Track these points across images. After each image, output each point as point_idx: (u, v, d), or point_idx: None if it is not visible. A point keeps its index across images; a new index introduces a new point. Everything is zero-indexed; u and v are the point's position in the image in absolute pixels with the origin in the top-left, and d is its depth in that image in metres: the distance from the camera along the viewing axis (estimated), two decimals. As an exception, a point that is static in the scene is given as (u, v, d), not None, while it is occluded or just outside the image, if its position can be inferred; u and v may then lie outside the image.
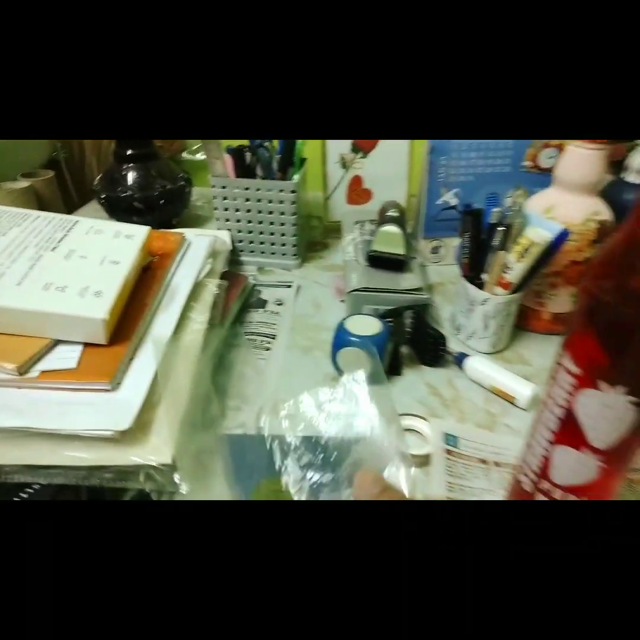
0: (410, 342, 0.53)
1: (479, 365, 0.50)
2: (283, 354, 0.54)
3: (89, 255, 0.45)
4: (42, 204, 0.77)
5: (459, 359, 0.52)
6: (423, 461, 0.41)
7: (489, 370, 0.50)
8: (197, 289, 0.53)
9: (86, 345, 0.41)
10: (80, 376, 0.38)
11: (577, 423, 0.28)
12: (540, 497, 0.33)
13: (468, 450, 0.42)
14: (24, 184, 0.74)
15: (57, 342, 0.41)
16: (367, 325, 0.49)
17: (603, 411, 0.27)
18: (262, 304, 0.63)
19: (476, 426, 0.45)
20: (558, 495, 0.31)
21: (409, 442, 0.43)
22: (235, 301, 0.59)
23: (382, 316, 0.52)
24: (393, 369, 0.52)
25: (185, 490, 0.34)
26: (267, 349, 0.55)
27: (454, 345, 0.54)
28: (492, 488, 0.39)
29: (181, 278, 0.52)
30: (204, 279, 0.55)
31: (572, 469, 0.30)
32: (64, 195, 0.87)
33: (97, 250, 0.45)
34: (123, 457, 0.35)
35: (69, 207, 0.87)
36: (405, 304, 0.54)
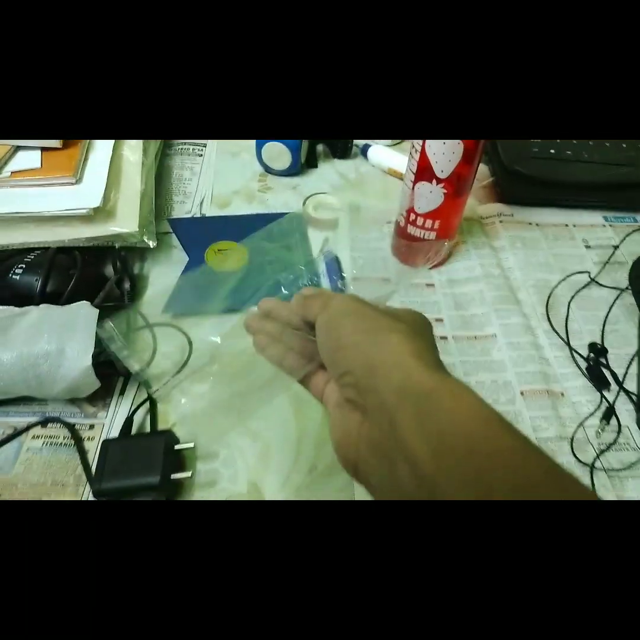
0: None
1: (379, 153, 0.61)
2: (214, 158, 0.62)
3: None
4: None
5: (364, 150, 0.62)
6: (333, 224, 0.53)
7: (388, 156, 0.61)
8: (127, 100, 0.58)
9: (43, 149, 0.48)
10: (46, 172, 0.46)
11: (427, 162, 0.41)
12: (410, 228, 0.46)
13: (367, 214, 0.55)
14: None
15: (16, 148, 0.47)
16: (285, 124, 0.57)
17: (442, 148, 0.39)
18: (190, 117, 0.69)
19: (375, 199, 0.57)
20: (420, 221, 0.45)
21: (322, 213, 0.55)
22: (165, 115, 0.65)
23: (297, 116, 0.60)
24: (310, 162, 0.61)
25: (153, 244, 0.45)
26: (200, 156, 0.63)
27: (360, 139, 0.64)
28: (382, 237, 0.52)
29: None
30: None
31: (428, 198, 0.43)
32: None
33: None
34: (101, 229, 0.44)
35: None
36: (317, 104, 0.62)
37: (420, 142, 0.40)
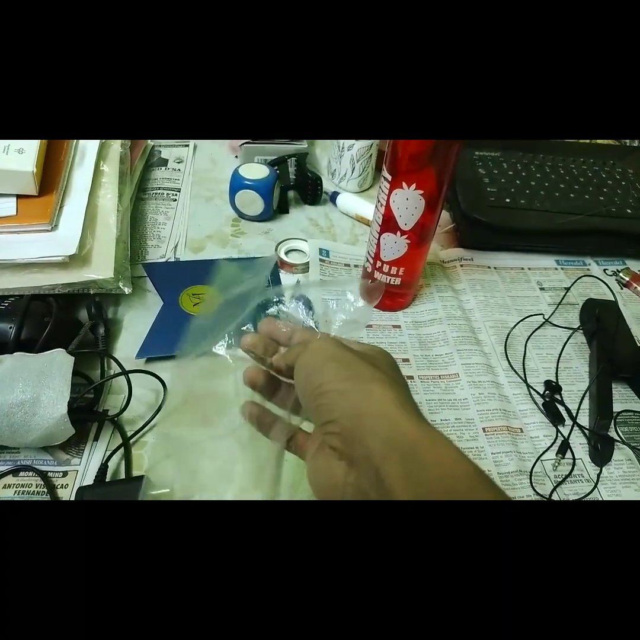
0: (295, 185, 0.65)
1: (348, 200, 0.64)
2: (188, 203, 0.64)
3: None
4: None
5: (333, 197, 0.65)
6: (304, 268, 0.56)
7: (355, 203, 0.64)
8: (103, 148, 0.60)
9: (19, 196, 0.48)
10: (22, 220, 0.47)
11: (392, 215, 0.44)
12: (377, 275, 0.49)
13: (336, 259, 0.57)
14: None
15: (-9, 195, 0.48)
16: (258, 171, 0.60)
17: (405, 203, 0.42)
18: (164, 163, 0.71)
19: (344, 243, 0.60)
20: (386, 268, 0.48)
21: (294, 257, 0.57)
22: (139, 160, 0.67)
23: (270, 164, 0.63)
24: (282, 208, 0.64)
25: (128, 290, 0.46)
26: (174, 200, 0.65)
27: (329, 186, 0.67)
28: (351, 281, 0.55)
29: (86, 140, 0.59)
30: (107, 140, 0.61)
31: (392, 248, 0.46)
32: None
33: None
34: (76, 276, 0.45)
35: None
36: (289, 153, 0.65)
37: (385, 196, 0.43)
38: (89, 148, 0.57)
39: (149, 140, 0.72)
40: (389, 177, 0.42)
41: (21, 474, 0.37)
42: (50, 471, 0.38)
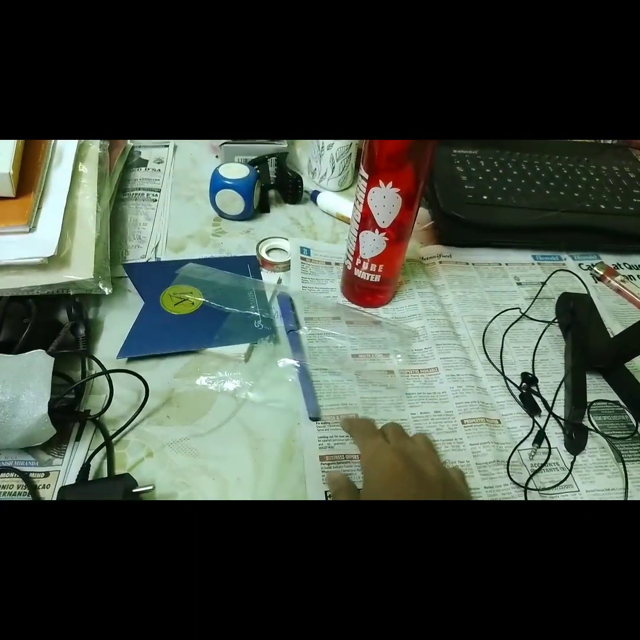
0: (275, 185, 0.66)
1: (328, 199, 0.65)
2: (169, 203, 0.64)
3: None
4: None
5: (313, 196, 0.66)
6: (285, 267, 0.56)
7: (336, 202, 0.65)
8: (82, 149, 0.59)
9: (-5, 198, 0.48)
10: (-1, 222, 0.46)
11: (370, 213, 0.44)
12: (357, 272, 0.49)
13: (317, 257, 0.58)
14: None
15: (-32, 198, 0.47)
16: (238, 171, 0.60)
17: (383, 201, 0.43)
18: (143, 163, 0.71)
19: (325, 242, 0.61)
20: (366, 265, 0.48)
21: (275, 256, 0.58)
22: (118, 161, 0.66)
23: (250, 163, 0.63)
24: (263, 207, 0.64)
25: (108, 291, 0.46)
26: (154, 200, 0.65)
27: (310, 186, 0.68)
28: (332, 279, 0.56)
29: (64, 141, 0.58)
30: (86, 140, 0.61)
31: (371, 245, 0.47)
32: None
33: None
34: (55, 277, 0.45)
35: None
36: (269, 152, 0.65)
37: (363, 195, 0.44)
38: (66, 149, 0.57)
39: (129, 141, 0.72)
40: (366, 176, 0.43)
41: (2, 475, 0.37)
42: (32, 472, 0.38)
